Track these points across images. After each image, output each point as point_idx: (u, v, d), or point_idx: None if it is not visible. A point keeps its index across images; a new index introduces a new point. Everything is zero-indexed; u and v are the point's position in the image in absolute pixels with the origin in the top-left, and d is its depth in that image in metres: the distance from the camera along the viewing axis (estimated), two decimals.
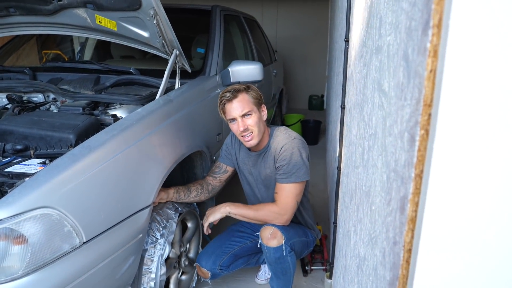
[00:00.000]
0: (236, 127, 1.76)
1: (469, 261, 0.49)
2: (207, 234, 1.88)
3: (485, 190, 0.45)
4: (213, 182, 1.99)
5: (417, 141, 0.48)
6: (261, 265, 2.22)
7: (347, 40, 1.66)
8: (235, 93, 1.72)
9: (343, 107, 1.73)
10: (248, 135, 1.75)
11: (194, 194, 1.88)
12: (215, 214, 1.82)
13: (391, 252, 0.60)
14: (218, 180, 2.00)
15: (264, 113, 1.81)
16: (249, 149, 1.90)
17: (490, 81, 0.41)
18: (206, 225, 1.84)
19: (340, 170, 1.79)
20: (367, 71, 0.99)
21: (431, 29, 0.44)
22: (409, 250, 0.52)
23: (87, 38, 3.27)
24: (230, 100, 1.72)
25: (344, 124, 1.72)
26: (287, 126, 4.89)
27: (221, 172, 2.00)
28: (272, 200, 1.89)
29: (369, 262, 0.81)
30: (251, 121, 1.74)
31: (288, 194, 1.76)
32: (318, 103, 6.71)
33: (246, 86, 1.77)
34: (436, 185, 0.46)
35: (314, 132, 4.81)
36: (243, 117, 1.73)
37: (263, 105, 1.80)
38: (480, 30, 0.40)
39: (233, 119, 1.75)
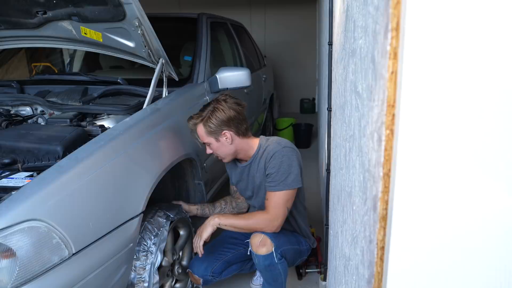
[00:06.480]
0: None
1: (440, 258, 0.50)
2: (200, 256, 1.83)
3: (449, 188, 0.46)
4: (236, 200, 2.14)
5: (383, 141, 0.49)
6: (256, 270, 2.22)
7: (330, 44, 1.68)
8: (194, 126, 1.79)
9: (329, 109, 1.75)
10: (217, 156, 1.87)
11: (218, 210, 2.07)
12: (207, 229, 1.78)
13: (368, 250, 0.61)
14: (237, 196, 2.13)
15: (228, 138, 1.77)
16: (238, 160, 1.93)
17: (447, 82, 0.43)
18: (201, 244, 1.78)
19: (329, 172, 1.80)
20: (346, 74, 1.00)
21: (390, 32, 0.45)
22: (382, 248, 0.53)
23: (75, 50, 3.27)
24: (192, 131, 1.82)
25: (331, 127, 1.74)
26: (279, 130, 4.96)
27: (236, 191, 2.12)
28: (260, 205, 1.90)
29: (352, 262, 0.82)
30: (211, 149, 1.83)
31: (277, 201, 1.77)
32: (309, 106, 6.74)
33: (206, 116, 1.74)
34: (402, 183, 0.48)
35: (306, 135, 4.83)
36: (205, 144, 1.84)
37: (223, 131, 1.75)
38: (434, 33, 0.42)
39: None
